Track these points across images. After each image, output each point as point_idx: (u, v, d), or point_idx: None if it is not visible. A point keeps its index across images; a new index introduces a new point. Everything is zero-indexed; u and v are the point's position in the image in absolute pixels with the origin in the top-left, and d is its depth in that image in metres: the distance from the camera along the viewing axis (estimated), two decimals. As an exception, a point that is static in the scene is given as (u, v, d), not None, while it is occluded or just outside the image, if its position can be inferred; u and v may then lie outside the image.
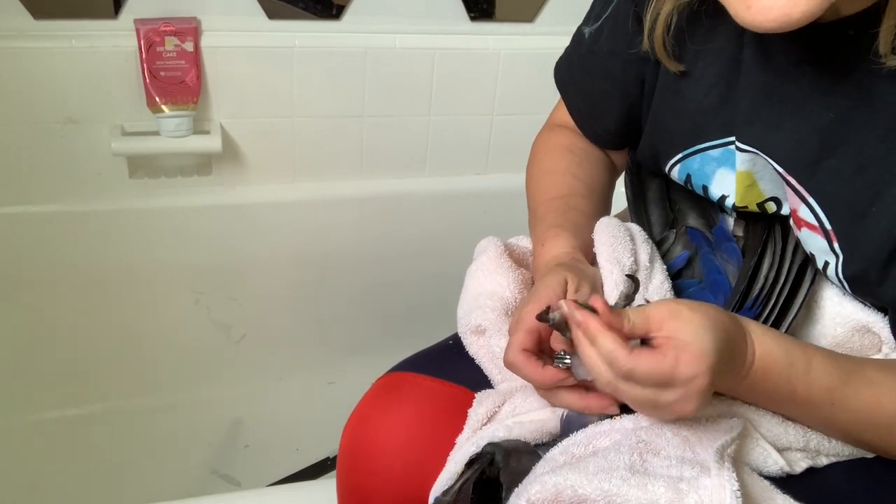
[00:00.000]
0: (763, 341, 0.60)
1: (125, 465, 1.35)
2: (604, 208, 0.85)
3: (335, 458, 0.79)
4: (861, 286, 0.65)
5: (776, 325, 0.69)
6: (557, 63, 0.87)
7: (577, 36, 0.83)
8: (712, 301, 0.72)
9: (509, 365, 0.64)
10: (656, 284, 0.72)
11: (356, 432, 0.74)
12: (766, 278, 0.70)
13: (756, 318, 0.69)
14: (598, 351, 0.56)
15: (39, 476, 1.31)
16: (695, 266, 0.77)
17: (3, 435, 1.33)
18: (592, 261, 0.74)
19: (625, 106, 0.80)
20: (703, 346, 0.55)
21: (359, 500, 0.74)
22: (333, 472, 0.79)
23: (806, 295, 0.70)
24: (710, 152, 0.72)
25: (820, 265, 0.67)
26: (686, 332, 0.55)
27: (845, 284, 0.65)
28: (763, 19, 0.51)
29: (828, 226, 0.64)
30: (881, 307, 0.68)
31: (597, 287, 0.70)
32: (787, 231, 0.73)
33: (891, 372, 0.63)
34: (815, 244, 0.66)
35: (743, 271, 0.72)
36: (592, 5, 0.80)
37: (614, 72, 0.78)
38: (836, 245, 0.64)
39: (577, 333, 0.57)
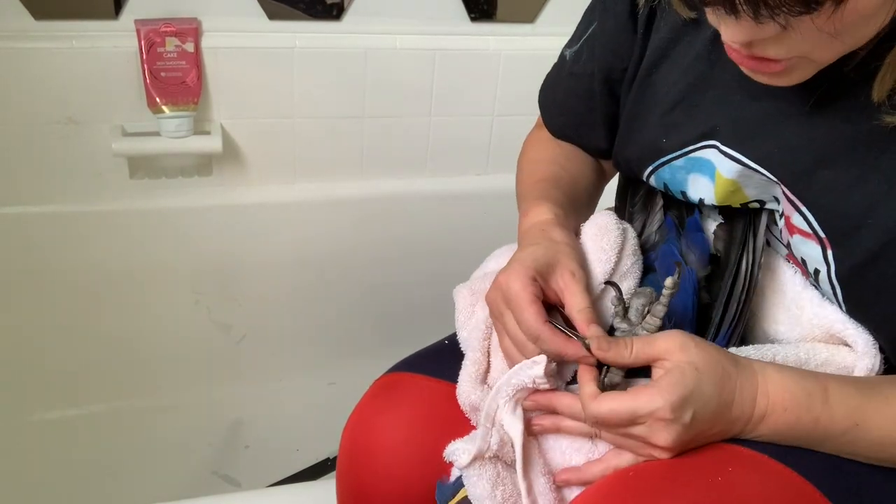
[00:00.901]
0: (775, 379, 0.62)
1: (125, 465, 1.35)
2: (588, 204, 0.85)
3: (335, 458, 0.79)
4: (854, 295, 0.65)
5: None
6: (541, 86, 0.87)
7: (560, 59, 0.84)
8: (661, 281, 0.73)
9: (535, 339, 0.64)
10: (629, 286, 0.73)
11: (356, 433, 0.74)
12: (740, 300, 0.70)
13: (729, 338, 0.70)
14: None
15: (39, 476, 1.31)
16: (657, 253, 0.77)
17: (3, 435, 1.33)
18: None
19: (608, 122, 0.81)
20: (673, 380, 0.58)
21: (359, 501, 0.74)
22: (333, 473, 0.79)
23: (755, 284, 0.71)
24: (674, 162, 0.73)
25: (811, 271, 0.67)
26: (670, 372, 0.59)
27: (838, 292, 0.65)
28: (754, 78, 0.58)
29: (822, 234, 0.64)
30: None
31: (580, 264, 0.70)
32: (759, 242, 0.73)
33: None
34: (808, 251, 0.66)
35: (718, 297, 0.72)
36: (576, 28, 0.81)
37: (594, 92, 0.79)
38: (829, 253, 0.64)
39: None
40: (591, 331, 0.64)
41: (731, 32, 0.52)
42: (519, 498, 0.65)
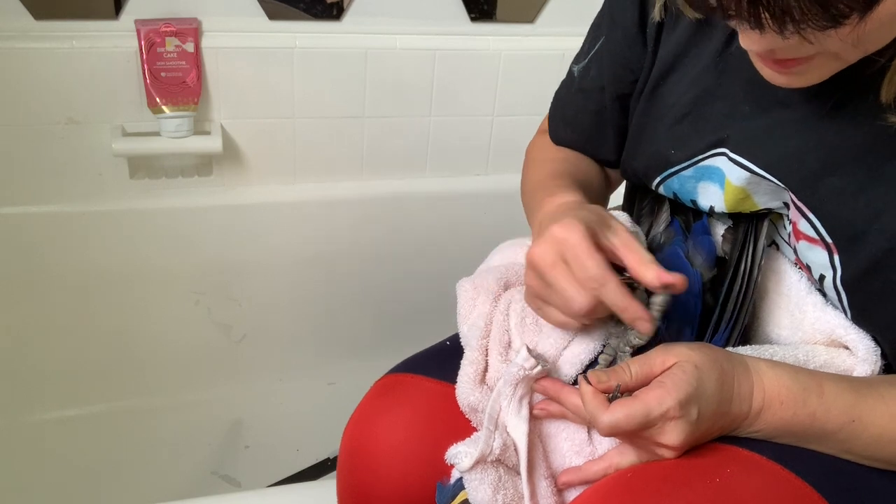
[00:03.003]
0: (770, 375, 0.62)
1: (125, 465, 1.35)
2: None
3: (335, 458, 0.79)
4: (859, 301, 0.65)
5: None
6: (552, 104, 0.87)
7: (568, 76, 0.84)
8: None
9: (602, 284, 0.61)
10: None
11: (356, 433, 0.74)
12: (737, 301, 0.70)
13: (728, 339, 0.70)
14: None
15: (39, 476, 1.31)
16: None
17: (3, 435, 1.33)
18: None
19: (618, 136, 0.81)
20: (676, 380, 0.58)
21: (359, 501, 0.74)
22: (334, 473, 0.79)
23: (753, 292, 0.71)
24: (683, 173, 0.73)
25: (816, 276, 0.67)
26: (671, 372, 0.59)
27: (843, 298, 0.65)
28: (772, 81, 0.57)
29: (828, 239, 0.64)
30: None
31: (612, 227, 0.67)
32: (758, 244, 0.73)
33: None
34: (815, 257, 0.66)
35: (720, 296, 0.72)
36: (582, 44, 0.81)
37: (605, 107, 0.79)
38: (836, 258, 0.64)
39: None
40: (667, 277, 0.61)
41: (752, 42, 0.52)
42: (520, 501, 0.64)
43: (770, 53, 0.54)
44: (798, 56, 0.53)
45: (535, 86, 1.38)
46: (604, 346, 0.69)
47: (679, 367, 0.59)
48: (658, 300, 0.65)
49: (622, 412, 0.58)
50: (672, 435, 0.59)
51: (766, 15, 0.46)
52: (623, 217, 0.74)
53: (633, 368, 0.61)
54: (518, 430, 0.64)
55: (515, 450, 0.65)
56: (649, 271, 0.62)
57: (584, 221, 0.63)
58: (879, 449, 0.62)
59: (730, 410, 0.61)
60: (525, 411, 0.65)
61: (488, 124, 1.42)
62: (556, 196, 0.73)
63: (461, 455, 0.63)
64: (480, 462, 0.63)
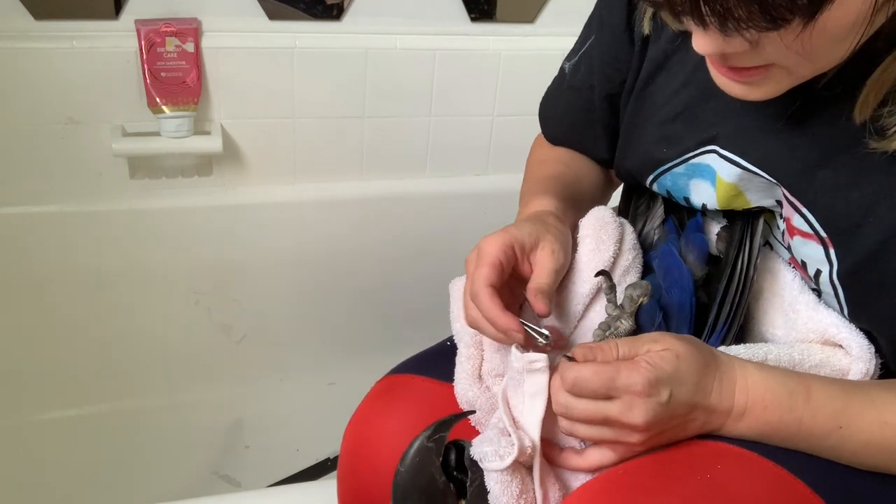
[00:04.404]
0: (756, 377, 0.62)
1: (125, 465, 1.35)
2: (591, 202, 0.84)
3: (336, 458, 0.79)
4: (855, 294, 0.64)
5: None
6: (542, 99, 0.88)
7: (560, 72, 0.84)
8: (660, 279, 0.74)
9: (474, 296, 0.65)
10: (631, 282, 0.73)
11: (357, 434, 0.75)
12: (733, 301, 0.70)
13: (723, 339, 0.70)
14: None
15: (39, 476, 1.31)
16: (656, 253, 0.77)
17: (3, 435, 1.33)
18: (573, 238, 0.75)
19: (609, 134, 0.81)
20: (651, 361, 0.58)
21: (359, 501, 0.74)
22: (334, 473, 0.79)
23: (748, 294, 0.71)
24: (675, 169, 0.73)
25: (811, 273, 0.67)
26: (651, 353, 0.60)
27: (839, 293, 0.65)
28: (727, 91, 0.58)
29: (823, 234, 0.64)
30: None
31: (564, 248, 0.69)
32: (754, 245, 0.73)
33: (892, 391, 0.63)
34: (810, 252, 0.66)
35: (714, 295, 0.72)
36: (575, 42, 0.82)
37: (594, 106, 0.79)
38: (831, 252, 0.64)
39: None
40: (538, 302, 0.65)
41: (702, 44, 0.52)
42: (534, 502, 0.63)
43: (723, 60, 0.54)
44: (749, 65, 0.53)
45: (535, 86, 1.36)
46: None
47: (658, 354, 0.60)
48: (633, 294, 0.66)
49: (590, 368, 0.59)
50: (638, 413, 0.58)
51: (707, 9, 0.46)
52: (606, 211, 0.74)
53: (622, 349, 0.61)
54: (532, 429, 0.63)
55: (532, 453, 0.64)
56: (532, 289, 0.66)
57: (517, 234, 0.67)
58: (868, 457, 0.62)
59: (709, 403, 0.61)
60: (537, 414, 0.63)
61: (488, 124, 1.42)
62: (533, 202, 0.76)
63: (489, 455, 0.61)
64: (513, 463, 0.61)
